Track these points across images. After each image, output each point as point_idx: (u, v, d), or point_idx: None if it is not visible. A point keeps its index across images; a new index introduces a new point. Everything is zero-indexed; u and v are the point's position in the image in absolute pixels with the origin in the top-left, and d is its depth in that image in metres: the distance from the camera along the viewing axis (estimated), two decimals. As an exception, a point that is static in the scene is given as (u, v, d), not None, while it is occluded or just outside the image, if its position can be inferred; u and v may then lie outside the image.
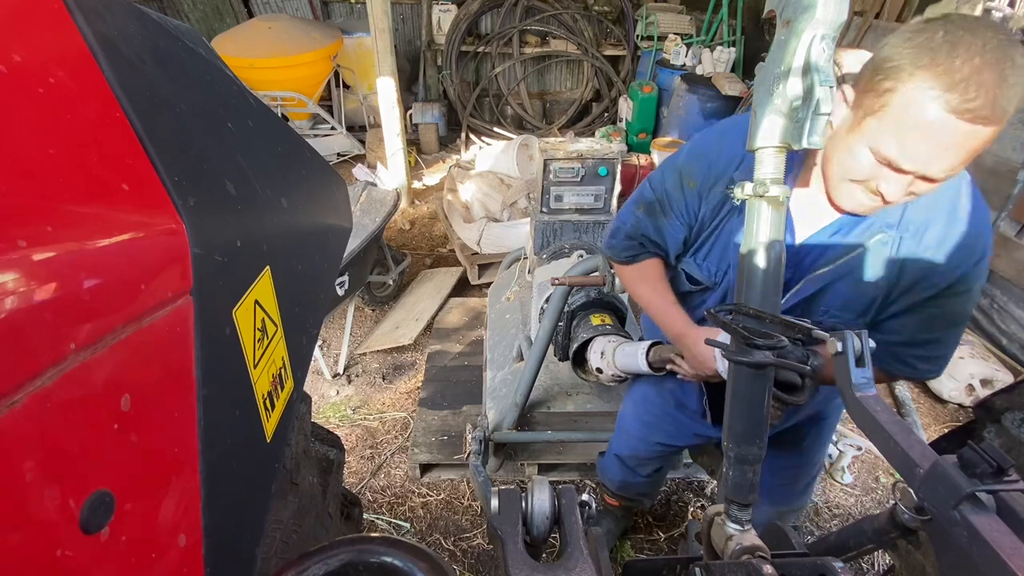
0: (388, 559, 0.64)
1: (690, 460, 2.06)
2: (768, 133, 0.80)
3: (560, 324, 1.70)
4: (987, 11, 2.66)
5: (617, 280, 1.61)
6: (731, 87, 4.47)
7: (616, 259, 1.34)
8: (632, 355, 1.36)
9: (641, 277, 1.29)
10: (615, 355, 1.43)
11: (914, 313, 1.03)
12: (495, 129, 5.81)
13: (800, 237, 1.04)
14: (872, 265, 1.00)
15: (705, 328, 1.12)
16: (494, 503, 0.89)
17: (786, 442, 1.39)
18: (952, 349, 1.09)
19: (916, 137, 0.77)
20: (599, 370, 1.50)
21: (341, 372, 2.79)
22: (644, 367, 1.33)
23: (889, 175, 0.83)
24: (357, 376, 2.80)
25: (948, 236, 0.95)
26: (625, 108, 5.46)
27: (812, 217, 1.02)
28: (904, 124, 0.78)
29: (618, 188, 2.30)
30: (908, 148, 0.79)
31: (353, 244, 2.46)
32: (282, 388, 0.75)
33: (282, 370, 0.75)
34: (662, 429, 1.53)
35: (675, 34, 5.37)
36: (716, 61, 4.95)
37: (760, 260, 0.81)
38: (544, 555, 0.89)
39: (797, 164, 1.02)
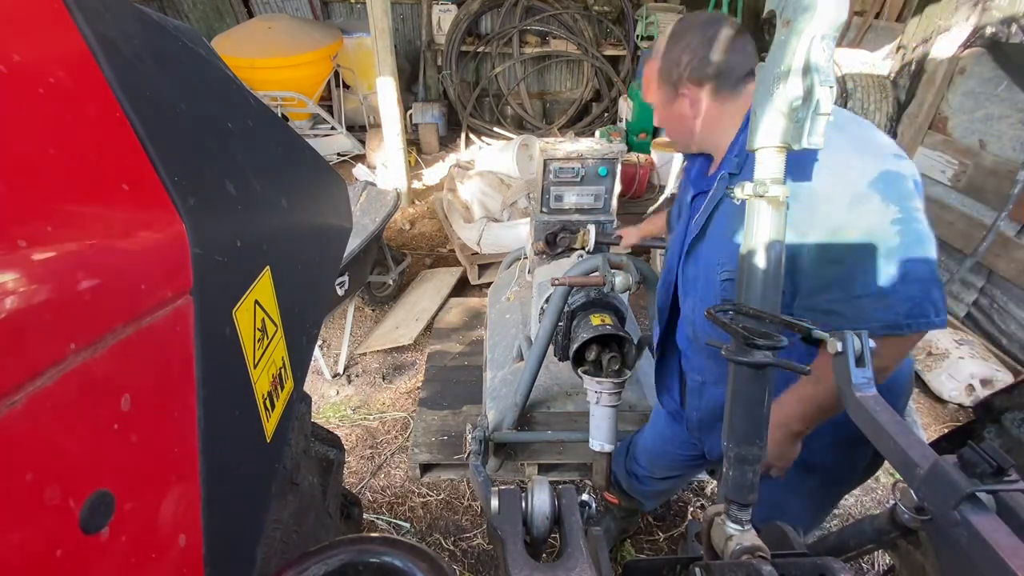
0: (388, 559, 0.64)
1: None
2: (768, 133, 0.80)
3: (560, 324, 1.70)
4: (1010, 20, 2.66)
5: (617, 280, 1.61)
6: (731, 87, 4.47)
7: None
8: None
9: None
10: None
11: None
12: (495, 129, 5.81)
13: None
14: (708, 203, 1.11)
15: None
16: (494, 503, 0.89)
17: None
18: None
19: None
20: None
21: (341, 372, 2.79)
22: None
23: None
24: (357, 376, 2.80)
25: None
26: (625, 108, 5.47)
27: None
28: None
29: (618, 188, 2.30)
30: None
31: (353, 244, 2.46)
32: (282, 388, 0.75)
33: (282, 370, 0.75)
34: (666, 464, 1.58)
35: (675, 34, 5.37)
36: (716, 61, 4.95)
37: (760, 260, 0.81)
38: (544, 555, 0.89)
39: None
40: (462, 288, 3.45)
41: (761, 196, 0.81)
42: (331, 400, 2.65)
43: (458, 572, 1.92)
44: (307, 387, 0.98)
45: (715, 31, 1.08)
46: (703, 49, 1.07)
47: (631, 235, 1.83)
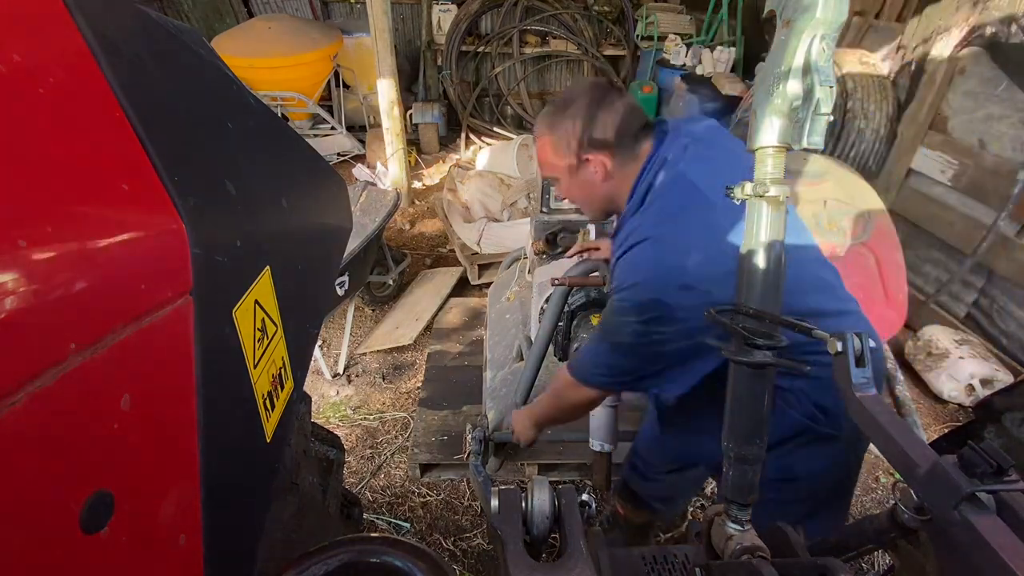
0: (388, 559, 0.64)
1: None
2: (768, 133, 0.80)
3: (560, 324, 1.70)
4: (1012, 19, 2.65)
5: (617, 280, 1.61)
6: (731, 87, 4.48)
7: None
8: None
9: None
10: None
11: None
12: (495, 129, 5.81)
13: None
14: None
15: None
16: (494, 503, 0.89)
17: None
18: (584, 351, 1.22)
19: None
20: None
21: (341, 372, 2.79)
22: None
23: None
24: (357, 376, 2.79)
25: (613, 264, 1.13)
26: (625, 108, 5.46)
27: None
28: None
29: (618, 188, 2.30)
30: None
31: (353, 244, 2.46)
32: (282, 388, 0.75)
33: (282, 370, 0.75)
34: (660, 455, 1.58)
35: (675, 34, 5.37)
36: (716, 61, 4.95)
37: (760, 260, 0.81)
38: (544, 555, 0.89)
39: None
40: (462, 288, 3.45)
41: (761, 196, 0.81)
42: (331, 400, 2.65)
43: (458, 572, 1.92)
44: (307, 387, 0.98)
45: (604, 95, 1.12)
46: (598, 115, 1.11)
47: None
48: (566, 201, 2.29)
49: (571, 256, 1.77)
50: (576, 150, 1.13)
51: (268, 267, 0.69)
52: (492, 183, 3.74)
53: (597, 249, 1.69)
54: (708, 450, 1.36)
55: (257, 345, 0.66)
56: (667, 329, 1.03)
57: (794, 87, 0.76)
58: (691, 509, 2.13)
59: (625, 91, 1.16)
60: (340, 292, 2.45)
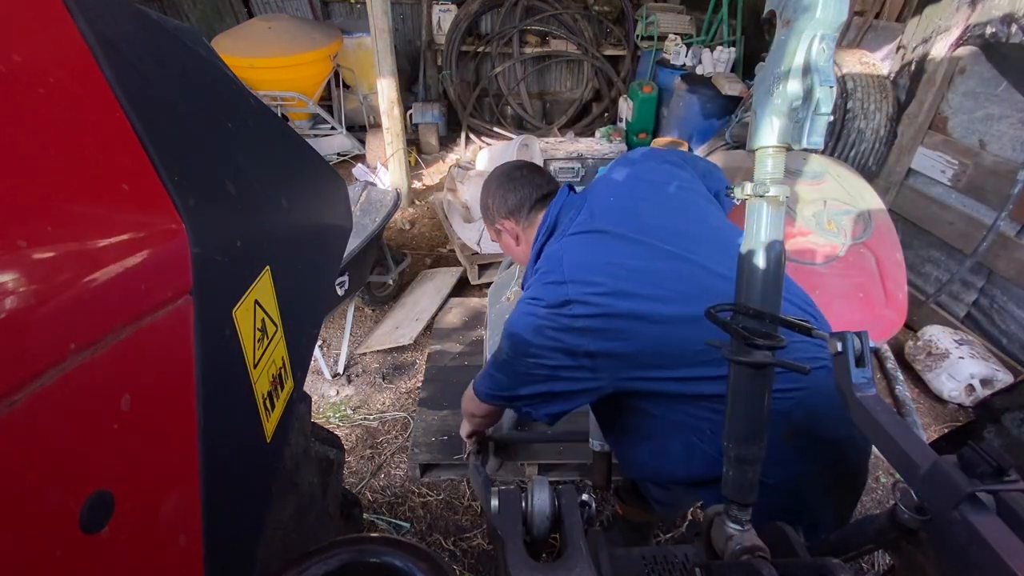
0: (388, 559, 0.64)
1: None
2: (768, 133, 0.80)
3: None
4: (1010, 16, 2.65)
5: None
6: (731, 87, 4.47)
7: None
8: None
9: None
10: None
11: None
12: (495, 129, 5.81)
13: None
14: None
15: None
16: (494, 503, 0.89)
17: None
18: (485, 368, 1.31)
19: None
20: None
21: (341, 372, 2.79)
22: None
23: None
24: (357, 376, 2.79)
25: None
26: (625, 108, 5.46)
27: None
28: None
29: (618, 188, 2.30)
30: None
31: (353, 244, 2.46)
32: (282, 388, 0.75)
33: (282, 370, 0.75)
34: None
35: (675, 34, 5.37)
36: (716, 61, 4.95)
37: (760, 260, 0.81)
38: (544, 555, 0.89)
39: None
40: (462, 288, 3.45)
41: (761, 196, 0.81)
42: (331, 400, 2.65)
43: (458, 572, 1.92)
44: (307, 387, 0.98)
45: (505, 176, 1.39)
46: (500, 191, 1.37)
47: None
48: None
49: None
50: (493, 218, 1.40)
51: (268, 267, 0.69)
52: (492, 183, 3.73)
53: None
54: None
55: (257, 345, 0.66)
56: (521, 360, 1.17)
57: (794, 87, 0.76)
58: (691, 509, 2.13)
59: (528, 167, 1.40)
60: (340, 292, 2.45)
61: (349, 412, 2.58)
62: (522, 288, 1.43)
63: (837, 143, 3.25)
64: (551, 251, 1.22)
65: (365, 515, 2.03)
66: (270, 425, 0.71)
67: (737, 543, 0.80)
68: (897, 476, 1.93)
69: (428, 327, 3.03)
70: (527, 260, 1.38)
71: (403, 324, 3.07)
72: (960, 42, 2.79)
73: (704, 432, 1.14)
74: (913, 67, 3.11)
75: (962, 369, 2.55)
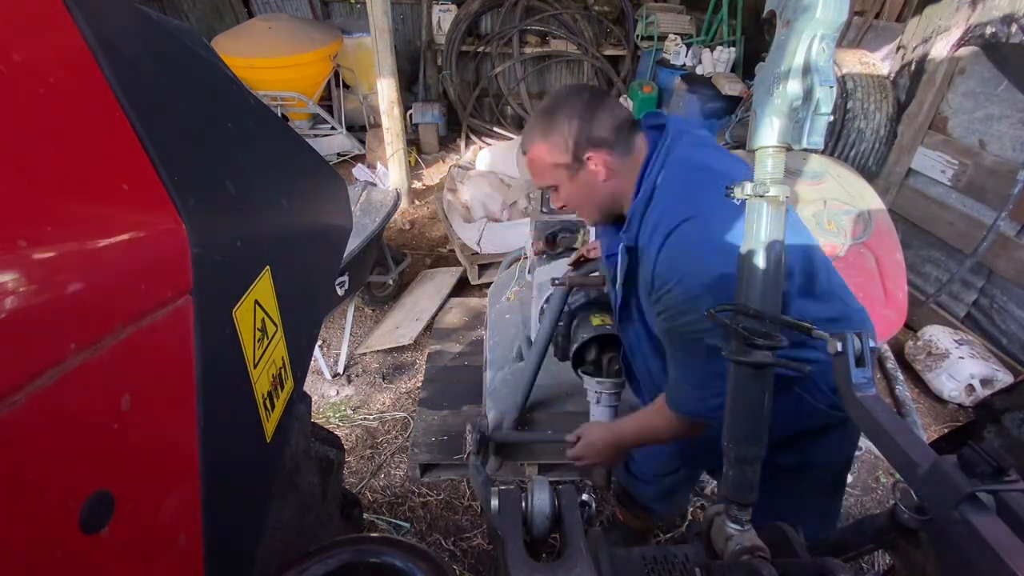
0: (388, 559, 0.64)
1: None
2: (768, 133, 0.80)
3: (560, 324, 1.70)
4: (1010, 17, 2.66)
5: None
6: (731, 87, 4.47)
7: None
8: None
9: None
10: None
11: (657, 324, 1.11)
12: (495, 129, 5.81)
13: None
14: (620, 271, 1.16)
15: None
16: (494, 503, 0.89)
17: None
18: (677, 380, 1.09)
19: None
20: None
21: (341, 372, 2.79)
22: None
23: None
24: (357, 376, 2.79)
25: (653, 260, 1.04)
26: (625, 108, 5.46)
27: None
28: None
29: (618, 188, 2.29)
30: None
31: (353, 244, 2.46)
32: (282, 388, 0.75)
33: (282, 370, 0.75)
34: (655, 460, 1.57)
35: (675, 34, 5.37)
36: (716, 61, 4.95)
37: (760, 260, 0.81)
38: (544, 555, 0.89)
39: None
40: (462, 288, 3.45)
41: (761, 196, 0.81)
42: (331, 400, 2.65)
43: (458, 572, 1.92)
44: (307, 387, 0.98)
45: (593, 95, 1.11)
46: (593, 113, 1.08)
47: None
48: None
49: (572, 264, 1.75)
50: (574, 151, 1.09)
51: (268, 267, 0.69)
52: (492, 183, 3.74)
53: (595, 248, 1.68)
54: (703, 453, 1.36)
55: (257, 345, 0.66)
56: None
57: (794, 87, 0.76)
58: (691, 509, 2.13)
59: (608, 92, 1.19)
60: (340, 292, 2.45)
61: (349, 412, 2.58)
62: (598, 238, 1.29)
63: (837, 143, 3.25)
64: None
65: (365, 515, 2.03)
66: (270, 425, 0.71)
67: (737, 543, 0.80)
68: (897, 476, 1.93)
69: (428, 327, 3.03)
70: (611, 198, 1.16)
71: (403, 324, 3.07)
72: (961, 43, 2.79)
73: (809, 382, 1.08)
74: (913, 67, 3.11)
75: (962, 369, 2.55)
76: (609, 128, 1.09)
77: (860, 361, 0.78)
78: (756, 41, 5.31)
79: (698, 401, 1.05)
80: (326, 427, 1.51)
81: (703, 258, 0.96)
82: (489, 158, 4.16)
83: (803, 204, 2.44)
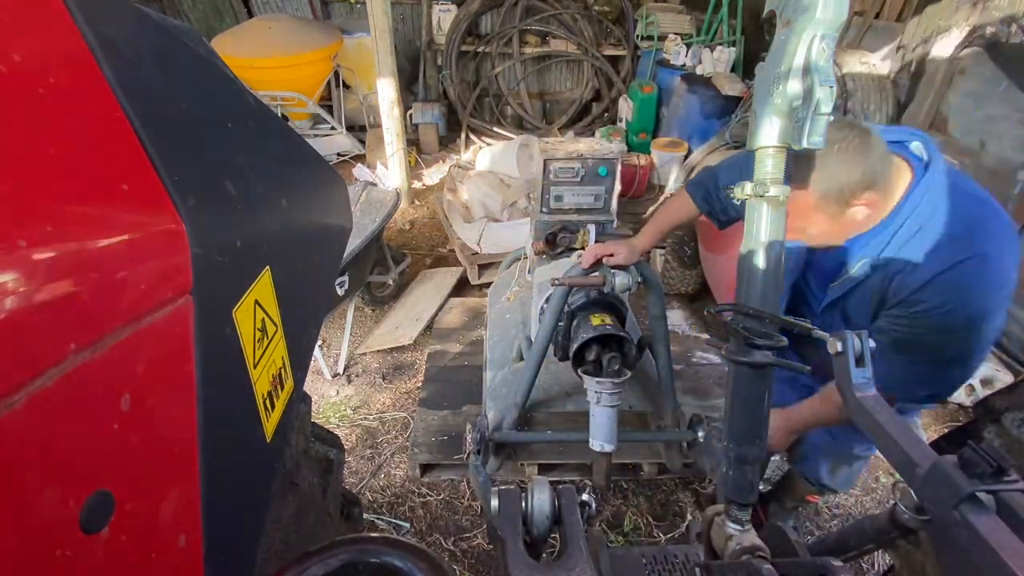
0: (388, 559, 0.64)
1: (690, 460, 2.06)
2: (768, 133, 0.80)
3: (560, 324, 1.69)
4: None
5: (617, 280, 1.60)
6: (731, 87, 4.47)
7: None
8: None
9: None
10: None
11: (883, 326, 1.21)
12: (495, 129, 5.81)
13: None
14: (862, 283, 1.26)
15: None
16: (494, 503, 0.89)
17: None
18: (903, 379, 1.18)
19: None
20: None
21: (341, 372, 2.79)
22: None
23: None
24: (357, 376, 2.79)
25: (913, 273, 1.14)
26: (625, 108, 5.46)
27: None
28: None
29: (618, 188, 2.30)
30: None
31: (353, 244, 2.46)
32: (282, 388, 0.75)
33: (282, 370, 0.75)
34: None
35: (675, 34, 5.37)
36: (716, 61, 4.95)
37: (760, 260, 0.81)
38: (544, 555, 0.89)
39: None
40: (462, 288, 3.45)
41: (761, 196, 0.81)
42: (331, 400, 2.65)
43: (458, 572, 1.92)
44: (307, 387, 0.98)
45: (855, 138, 1.09)
46: (861, 157, 1.08)
47: (643, 244, 1.71)
48: (566, 202, 2.29)
49: (588, 266, 1.72)
50: (847, 197, 1.10)
51: (268, 267, 0.69)
52: (492, 183, 3.74)
53: (611, 255, 1.65)
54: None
55: (257, 345, 0.66)
56: (989, 336, 1.13)
57: (794, 87, 0.76)
58: (691, 509, 2.13)
59: (867, 129, 1.13)
60: (340, 292, 2.45)
61: (349, 412, 2.58)
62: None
63: (837, 143, 3.25)
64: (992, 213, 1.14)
65: (365, 515, 2.03)
66: (270, 425, 0.71)
67: (737, 543, 0.80)
68: (897, 476, 1.93)
69: (428, 327, 3.03)
70: (858, 228, 1.20)
71: (403, 324, 3.07)
72: (965, 43, 2.79)
73: None
74: (913, 67, 3.11)
75: (962, 369, 2.55)
76: (878, 169, 1.10)
77: (860, 361, 0.78)
78: (756, 41, 5.31)
79: (908, 390, 1.21)
80: (326, 427, 1.51)
81: (975, 296, 1.10)
82: (489, 158, 4.16)
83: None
